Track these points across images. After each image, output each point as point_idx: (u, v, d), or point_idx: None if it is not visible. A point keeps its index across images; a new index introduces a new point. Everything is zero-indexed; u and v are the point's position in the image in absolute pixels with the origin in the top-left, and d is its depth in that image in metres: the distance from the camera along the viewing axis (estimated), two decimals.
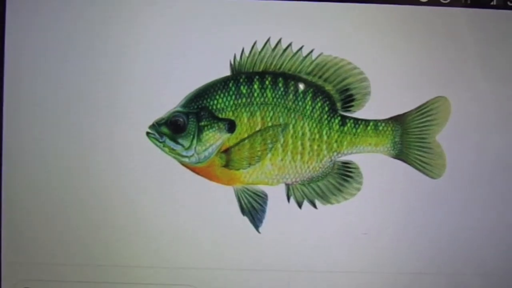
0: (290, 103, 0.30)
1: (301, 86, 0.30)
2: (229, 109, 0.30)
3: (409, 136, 0.31)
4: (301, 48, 0.30)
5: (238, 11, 0.30)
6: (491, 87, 0.31)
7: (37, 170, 0.30)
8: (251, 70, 0.30)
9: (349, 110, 0.31)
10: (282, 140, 0.30)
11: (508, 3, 0.31)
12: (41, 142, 0.30)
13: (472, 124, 0.31)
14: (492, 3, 0.31)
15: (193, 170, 0.30)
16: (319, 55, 0.30)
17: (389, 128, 0.31)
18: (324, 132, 0.30)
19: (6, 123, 0.30)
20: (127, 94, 0.30)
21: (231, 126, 0.30)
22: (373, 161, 0.31)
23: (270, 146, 0.30)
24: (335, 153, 0.31)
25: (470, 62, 0.31)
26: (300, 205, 0.31)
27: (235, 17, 0.30)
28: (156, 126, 0.30)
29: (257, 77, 0.30)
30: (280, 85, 0.30)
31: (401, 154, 0.31)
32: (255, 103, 0.30)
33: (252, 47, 0.30)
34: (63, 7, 0.30)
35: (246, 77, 0.30)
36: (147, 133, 0.30)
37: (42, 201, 0.31)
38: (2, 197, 0.31)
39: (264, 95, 0.30)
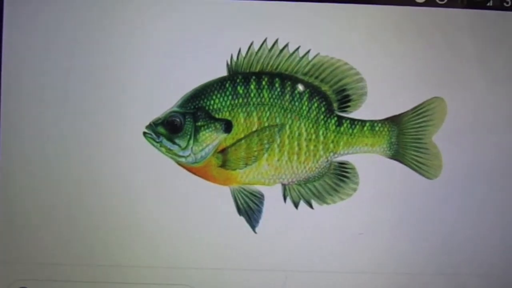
0: (287, 104, 0.30)
1: (298, 87, 0.30)
2: (225, 109, 0.30)
3: (405, 137, 0.31)
4: (297, 48, 0.30)
5: (235, 12, 0.30)
6: (487, 88, 0.31)
7: (35, 168, 0.31)
8: (247, 71, 0.30)
9: (345, 111, 0.31)
10: (278, 141, 0.30)
11: (505, 4, 0.31)
12: (40, 141, 0.30)
13: (468, 125, 0.31)
14: (488, 4, 0.31)
15: (189, 170, 0.30)
16: (316, 55, 0.30)
17: (386, 129, 0.31)
18: (321, 133, 0.31)
19: (5, 122, 0.30)
20: (124, 94, 0.30)
21: (227, 126, 0.30)
22: (369, 162, 0.31)
23: (266, 146, 0.30)
24: (331, 154, 0.31)
25: (466, 63, 0.31)
26: (296, 205, 0.31)
27: (232, 17, 0.31)
28: (153, 126, 0.30)
29: (253, 77, 0.30)
30: (277, 85, 0.30)
31: (397, 154, 0.31)
32: (251, 103, 0.30)
33: (249, 47, 0.30)
34: (62, 7, 0.30)
35: (242, 77, 0.30)
36: (144, 133, 0.30)
37: (39, 200, 0.31)
38: None
39: (261, 95, 0.30)
